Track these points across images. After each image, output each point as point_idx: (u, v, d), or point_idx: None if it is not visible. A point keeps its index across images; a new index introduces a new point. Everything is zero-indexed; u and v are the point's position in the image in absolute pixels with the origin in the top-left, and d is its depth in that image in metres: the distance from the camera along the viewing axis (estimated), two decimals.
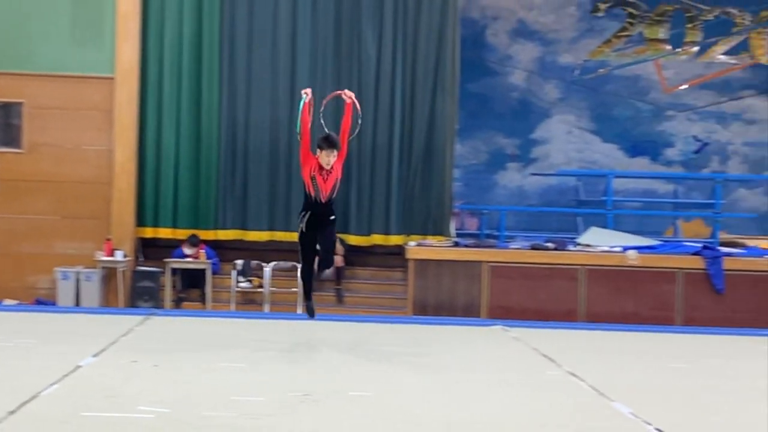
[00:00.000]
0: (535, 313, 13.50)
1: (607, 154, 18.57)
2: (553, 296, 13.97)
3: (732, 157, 18.56)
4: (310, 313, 10.10)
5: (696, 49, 18.58)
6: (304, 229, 9.60)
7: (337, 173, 9.46)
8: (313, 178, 9.37)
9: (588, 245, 14.79)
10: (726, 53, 18.59)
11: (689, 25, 18.48)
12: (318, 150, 9.30)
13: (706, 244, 15.05)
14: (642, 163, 18.56)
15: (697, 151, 18.65)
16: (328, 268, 10.24)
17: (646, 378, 9.21)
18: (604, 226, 15.96)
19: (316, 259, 9.86)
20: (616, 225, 16.23)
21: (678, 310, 14.04)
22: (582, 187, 17.96)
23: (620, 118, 18.72)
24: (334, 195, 9.61)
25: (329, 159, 9.30)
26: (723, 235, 16.16)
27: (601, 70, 18.70)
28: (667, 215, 17.93)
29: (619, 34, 18.63)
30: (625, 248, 14.40)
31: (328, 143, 9.30)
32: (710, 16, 18.47)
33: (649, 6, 18.46)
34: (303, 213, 9.60)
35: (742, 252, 14.75)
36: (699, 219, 17.62)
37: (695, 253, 14.32)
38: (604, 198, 16.71)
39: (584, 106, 18.69)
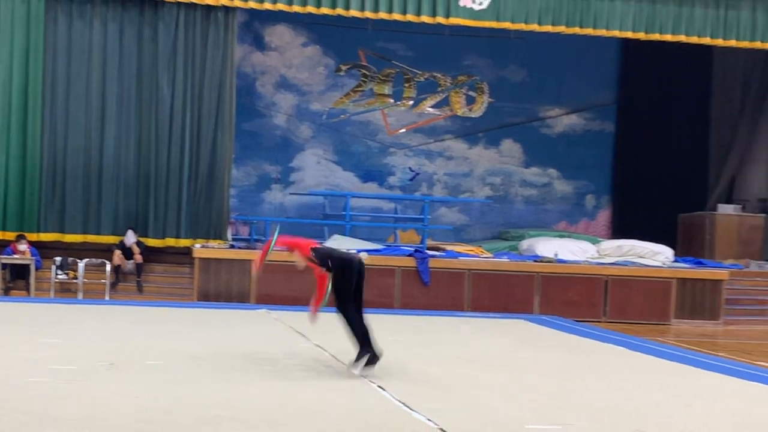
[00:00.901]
0: (292, 300, 13.67)
1: (346, 180, 19.00)
2: (305, 287, 13.94)
3: (436, 184, 19.31)
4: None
5: (411, 102, 19.20)
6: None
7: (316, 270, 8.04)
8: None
9: None
10: (433, 106, 19.30)
11: (406, 85, 19.10)
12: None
13: (417, 248, 15.51)
14: (372, 187, 19.06)
15: (411, 179, 19.31)
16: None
17: None
18: (344, 234, 16.27)
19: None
20: (353, 233, 16.61)
21: (396, 297, 14.43)
22: (328, 204, 18.22)
23: (356, 153, 19.18)
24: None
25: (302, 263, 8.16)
26: (430, 242, 16.71)
27: (342, 116, 19.10)
28: (389, 226, 18.39)
29: (356, 89, 19.07)
30: (359, 251, 14.61)
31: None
32: (422, 78, 19.15)
33: (378, 69, 18.99)
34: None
35: (443, 254, 15.31)
36: (412, 230, 18.19)
37: (409, 255, 14.71)
38: (344, 213, 17.02)
39: (330, 143, 19.06)
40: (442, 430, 5.62)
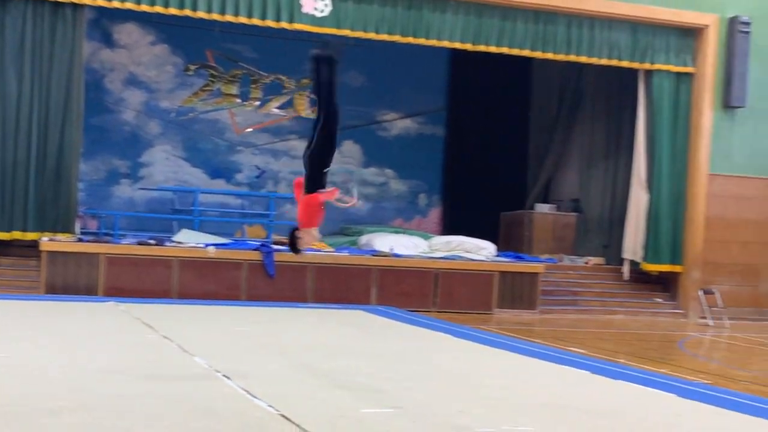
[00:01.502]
0: (140, 293, 13.51)
1: (195, 176, 18.82)
2: (154, 280, 13.97)
3: (282, 182, 19.39)
4: None
5: (258, 103, 19.22)
6: None
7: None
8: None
9: (180, 242, 14.89)
10: (278, 107, 19.39)
11: (253, 86, 19.10)
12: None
13: (263, 242, 15.53)
14: (220, 183, 18.98)
15: (258, 177, 19.34)
16: None
17: (220, 338, 9.68)
18: (192, 229, 16.14)
19: None
20: (201, 228, 16.50)
21: (243, 289, 14.36)
22: (177, 199, 18.03)
23: (204, 150, 19.03)
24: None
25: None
26: (275, 237, 16.76)
27: (191, 114, 18.92)
28: (237, 221, 18.38)
29: (204, 88, 18.92)
30: (207, 245, 14.62)
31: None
32: (268, 80, 19.18)
33: (225, 69, 18.90)
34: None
35: (286, 249, 15.26)
36: (259, 225, 18.25)
37: (255, 249, 14.70)
38: (192, 208, 16.90)
39: (178, 140, 18.85)
40: (282, 415, 5.73)
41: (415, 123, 20.51)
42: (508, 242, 19.05)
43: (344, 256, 15.42)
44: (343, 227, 19.18)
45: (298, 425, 5.47)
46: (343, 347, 9.60)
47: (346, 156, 19.86)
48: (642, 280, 17.39)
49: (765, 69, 17.01)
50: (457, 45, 16.01)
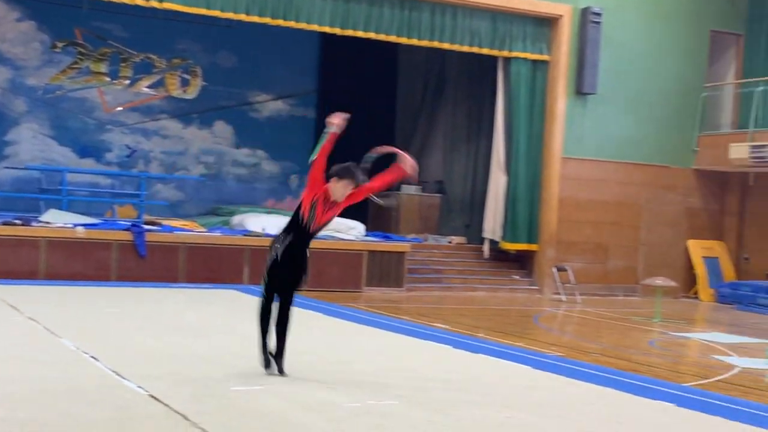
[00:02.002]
0: (6, 274, 12.89)
1: (63, 155, 18.03)
2: (21, 261, 13.37)
3: (153, 161, 18.86)
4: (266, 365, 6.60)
5: (128, 82, 18.57)
6: (277, 257, 6.36)
7: (338, 211, 6.59)
8: (314, 204, 6.46)
9: (48, 222, 14.32)
10: (149, 86, 18.81)
11: (123, 64, 18.41)
12: (335, 179, 6.48)
13: (134, 222, 15.13)
14: (89, 163, 18.26)
15: (128, 156, 18.74)
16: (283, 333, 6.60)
17: (88, 320, 9.37)
18: (61, 209, 15.51)
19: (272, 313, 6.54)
20: (70, 207, 15.85)
21: (113, 270, 13.88)
22: (44, 178, 17.29)
23: (73, 128, 18.28)
24: (320, 232, 6.70)
25: (344, 191, 6.43)
26: (146, 217, 16.28)
27: (59, 92, 18.12)
28: (107, 201, 17.77)
29: (72, 66, 18.14)
30: (75, 225, 14.12)
31: (350, 175, 6.49)
32: (138, 59, 18.55)
33: (94, 47, 18.19)
34: (283, 235, 6.44)
35: (159, 228, 14.97)
36: (130, 205, 17.66)
37: (126, 229, 14.29)
38: (60, 187, 16.24)
39: (46, 118, 18.03)
40: (151, 396, 5.63)
41: (287, 105, 20.31)
42: (377, 222, 19.17)
43: (216, 236, 15.14)
44: (216, 207, 18.86)
45: (166, 405, 5.39)
46: (214, 327, 9.46)
47: (218, 137, 19.51)
48: (501, 258, 17.85)
49: (614, 58, 17.70)
50: (326, 29, 15.94)
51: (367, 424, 5.20)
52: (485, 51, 17.00)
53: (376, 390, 6.33)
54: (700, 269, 18.27)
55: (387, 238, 16.92)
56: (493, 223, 17.48)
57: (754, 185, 18.67)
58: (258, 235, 15.37)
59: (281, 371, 6.54)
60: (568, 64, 17.32)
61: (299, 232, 6.40)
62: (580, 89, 17.40)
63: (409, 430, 5.11)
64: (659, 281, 14.30)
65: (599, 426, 5.52)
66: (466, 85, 19.58)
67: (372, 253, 15.76)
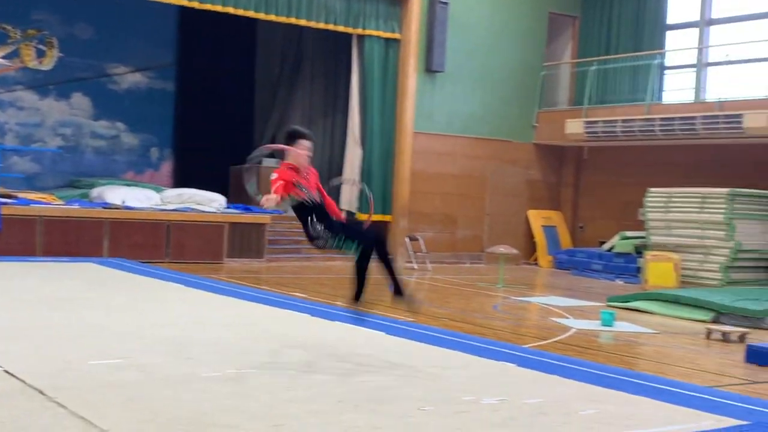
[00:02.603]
0: None
1: None
2: None
3: (8, 133, 17.74)
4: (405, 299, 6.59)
5: None
6: (322, 232, 6.23)
7: (313, 170, 6.40)
8: (297, 184, 6.18)
9: None
10: (3, 57, 17.66)
11: None
12: (294, 142, 6.20)
13: None
14: None
15: None
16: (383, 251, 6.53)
17: None
18: None
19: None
20: None
21: None
22: None
23: None
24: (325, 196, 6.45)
25: (303, 152, 6.19)
26: (1, 190, 15.37)
27: None
28: None
29: None
30: None
31: (296, 135, 6.25)
32: None
33: None
34: (309, 218, 6.23)
35: (14, 201, 14.22)
36: None
37: None
38: None
39: None
40: (6, 371, 5.35)
41: (146, 77, 19.55)
42: (238, 195, 18.88)
43: (75, 209, 14.47)
44: (74, 180, 18.02)
45: (22, 380, 5.12)
46: (71, 300, 9.05)
47: (76, 108, 18.58)
48: None
49: (461, 38, 18.05)
50: (185, 2, 15.48)
51: (226, 393, 5.13)
52: (340, 28, 16.96)
53: (236, 359, 6.23)
54: (540, 237, 19.01)
55: (248, 210, 16.68)
56: (349, 195, 17.56)
57: (588, 159, 19.55)
58: (117, 207, 14.88)
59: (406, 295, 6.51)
60: (418, 42, 17.53)
61: (314, 209, 6.22)
62: (430, 67, 17.66)
63: (267, 396, 5.08)
64: (502, 249, 14.76)
65: (445, 386, 5.65)
66: (322, 61, 19.48)
67: (233, 224, 15.55)
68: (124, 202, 15.21)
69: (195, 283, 11.22)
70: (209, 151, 19.40)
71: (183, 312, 8.66)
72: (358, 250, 6.15)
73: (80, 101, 18.68)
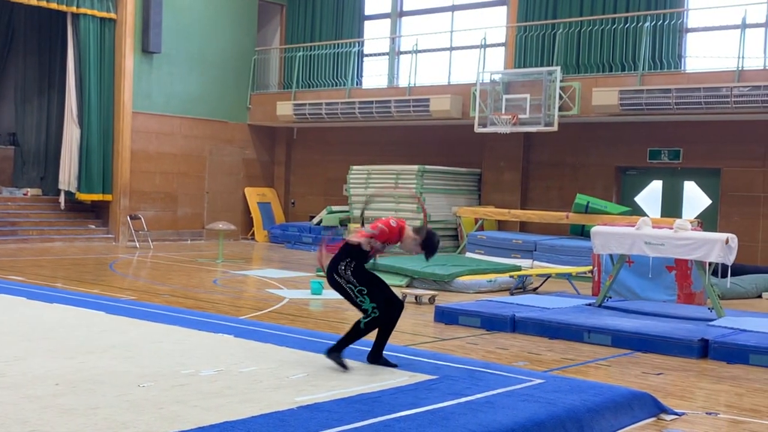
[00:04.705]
0: None
1: None
2: None
3: None
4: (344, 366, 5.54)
5: None
6: (351, 276, 5.59)
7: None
8: (377, 247, 5.66)
9: None
10: None
11: None
12: (416, 237, 5.64)
13: None
14: None
15: None
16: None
17: None
18: None
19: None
20: None
21: None
22: None
23: None
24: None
25: (409, 246, 5.69)
26: None
27: None
28: None
29: None
30: None
31: (428, 247, 5.71)
32: None
33: None
34: (349, 261, 5.62)
35: None
36: None
37: None
38: None
39: None
40: None
41: None
42: None
43: None
44: None
45: None
46: None
47: None
48: (77, 209, 17.06)
49: (177, 20, 17.61)
50: None
51: None
52: (53, 6, 15.87)
53: None
54: (256, 213, 19.20)
55: None
56: (68, 175, 16.60)
57: (297, 139, 20.01)
58: None
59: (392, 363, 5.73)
60: (134, 23, 16.85)
61: (359, 260, 5.69)
62: (146, 48, 17.09)
63: None
64: (221, 225, 14.75)
65: (164, 361, 5.59)
66: (36, 38, 18.12)
67: None
68: None
69: None
70: None
71: None
72: (373, 314, 5.58)
73: None
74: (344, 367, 5.49)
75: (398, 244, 5.72)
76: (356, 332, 5.59)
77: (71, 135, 16.57)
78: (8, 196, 16.88)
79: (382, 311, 5.57)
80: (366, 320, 5.56)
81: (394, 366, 5.63)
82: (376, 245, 5.62)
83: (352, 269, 5.60)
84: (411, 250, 5.75)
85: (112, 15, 16.66)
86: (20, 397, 4.48)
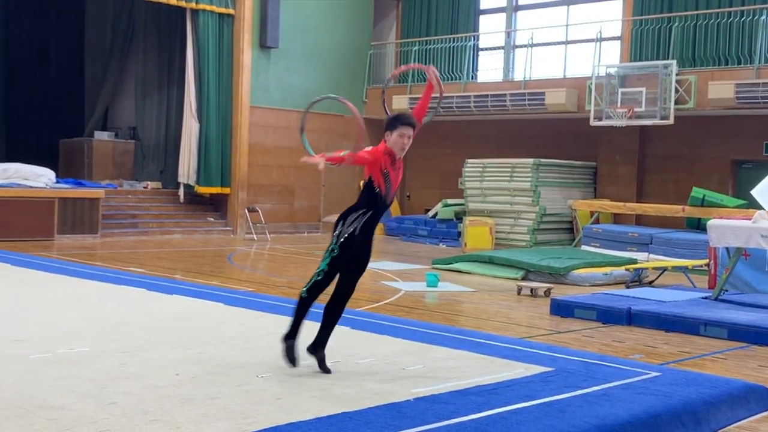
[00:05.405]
0: None
1: None
2: None
3: None
4: (292, 361, 5.05)
5: None
6: (356, 232, 4.99)
7: (402, 165, 5.20)
8: (386, 175, 5.02)
9: None
10: None
11: None
12: (391, 131, 5.01)
13: None
14: None
15: None
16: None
17: None
18: None
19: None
20: None
21: None
22: None
23: None
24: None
25: (404, 141, 5.01)
26: None
27: None
28: None
29: None
30: None
31: (407, 123, 5.04)
32: None
33: None
34: (363, 211, 5.03)
35: None
36: None
37: None
38: None
39: None
40: None
41: None
42: (69, 169, 18.01)
43: None
44: None
45: None
46: None
47: None
48: (196, 201, 17.61)
49: (293, 14, 17.93)
50: None
51: (57, 374, 4.82)
52: (173, 2, 16.41)
53: (68, 337, 5.89)
54: None
55: (80, 184, 15.95)
56: (187, 168, 17.14)
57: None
58: None
59: (325, 367, 5.08)
60: (252, 19, 17.25)
61: (379, 206, 5.07)
62: (264, 43, 17.46)
63: (101, 375, 4.83)
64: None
65: (279, 352, 5.58)
66: (155, 34, 18.83)
67: (64, 200, 14.73)
68: None
69: (22, 261, 10.49)
70: (37, 125, 18.41)
71: (9, 292, 8.04)
72: (316, 277, 5.03)
73: None
74: (293, 362, 4.95)
75: (390, 164, 4.99)
76: (300, 304, 5.02)
77: (190, 129, 17.12)
78: (129, 189, 17.60)
79: (326, 281, 4.98)
80: (307, 286, 5.03)
81: (327, 372, 4.99)
82: (382, 180, 4.96)
83: (362, 223, 4.95)
84: (400, 154, 5.01)
85: (231, 11, 17.10)
86: (141, 388, 4.58)
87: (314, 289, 5.04)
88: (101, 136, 18.48)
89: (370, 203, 5.04)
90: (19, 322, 6.43)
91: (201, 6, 16.65)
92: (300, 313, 5.06)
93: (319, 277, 5.02)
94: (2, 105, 18.62)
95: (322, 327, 5.17)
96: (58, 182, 15.59)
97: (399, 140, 5.00)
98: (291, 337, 5.05)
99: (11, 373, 4.78)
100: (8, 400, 4.21)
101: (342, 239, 5.01)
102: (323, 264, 5.03)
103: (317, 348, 5.13)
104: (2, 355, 5.27)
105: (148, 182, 18.05)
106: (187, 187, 17.29)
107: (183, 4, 16.51)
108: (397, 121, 5.05)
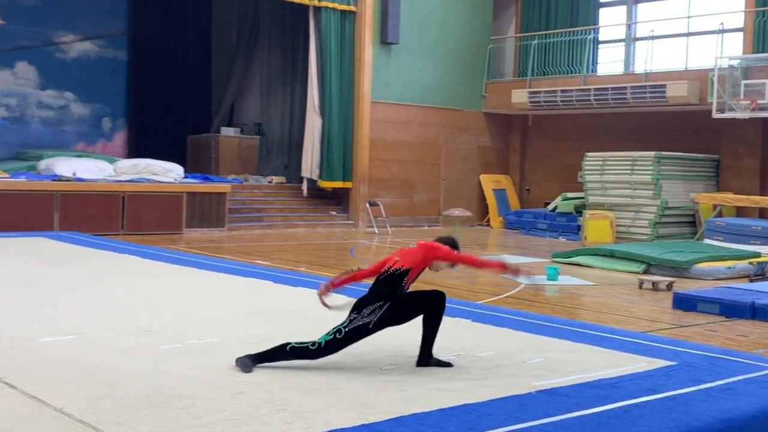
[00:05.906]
0: None
1: None
2: None
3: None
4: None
5: None
6: (370, 325, 4.90)
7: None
8: (418, 275, 5.10)
9: None
10: None
11: None
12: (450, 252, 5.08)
13: None
14: None
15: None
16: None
17: None
18: None
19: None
20: None
21: None
22: None
23: None
24: None
25: (440, 270, 5.28)
26: None
27: None
28: None
29: None
30: None
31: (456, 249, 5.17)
32: None
33: None
34: (380, 304, 4.93)
35: None
36: None
37: None
38: None
39: None
40: None
41: (96, 46, 18.96)
42: (196, 164, 18.71)
43: (22, 182, 13.74)
44: (20, 152, 17.18)
45: None
46: (21, 276, 8.38)
47: (21, 78, 17.90)
48: (319, 195, 17.98)
49: (413, 10, 18.03)
50: None
51: (187, 364, 4.92)
52: (296, 0, 16.80)
53: (197, 328, 6.00)
54: (491, 200, 19.26)
55: (207, 179, 16.54)
56: (310, 163, 17.52)
57: (532, 126, 19.90)
58: (68, 179, 14.25)
59: (443, 362, 5.09)
60: (373, 15, 17.47)
61: (397, 298, 5.01)
62: (385, 39, 17.65)
63: (228, 365, 4.89)
64: (457, 212, 14.98)
65: (402, 344, 5.59)
66: (279, 31, 19.33)
67: (191, 194, 15.24)
68: (74, 173, 14.62)
69: (152, 254, 10.64)
70: (165, 121, 19.07)
71: (139, 284, 8.18)
72: (312, 347, 4.83)
73: (25, 70, 17.98)
74: (248, 369, 4.71)
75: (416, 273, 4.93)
76: (280, 351, 4.82)
77: (313, 125, 17.49)
78: (254, 183, 18.12)
79: (316, 355, 4.79)
80: (298, 344, 4.82)
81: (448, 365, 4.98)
82: (411, 281, 4.93)
83: (379, 316, 4.86)
84: (441, 268, 5.10)
85: (353, 8, 17.37)
86: (267, 378, 4.66)
87: (300, 353, 4.85)
88: (227, 132, 19.11)
89: (390, 295, 4.95)
90: (150, 314, 6.56)
91: (323, 4, 16.99)
92: (273, 358, 4.88)
93: (312, 347, 4.82)
94: (132, 102, 19.47)
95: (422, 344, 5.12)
96: (186, 177, 16.18)
97: (442, 266, 5.13)
98: (254, 361, 4.84)
99: (144, 364, 4.91)
100: (141, 390, 4.32)
101: (352, 327, 4.90)
102: (323, 338, 4.86)
103: (426, 362, 5.07)
104: (135, 346, 5.39)
105: (273, 177, 18.54)
106: (310, 181, 17.68)
107: (306, 1, 16.89)
108: (455, 246, 5.13)
